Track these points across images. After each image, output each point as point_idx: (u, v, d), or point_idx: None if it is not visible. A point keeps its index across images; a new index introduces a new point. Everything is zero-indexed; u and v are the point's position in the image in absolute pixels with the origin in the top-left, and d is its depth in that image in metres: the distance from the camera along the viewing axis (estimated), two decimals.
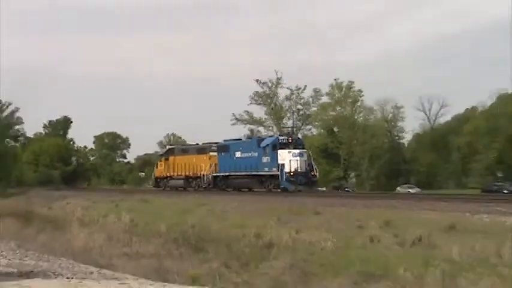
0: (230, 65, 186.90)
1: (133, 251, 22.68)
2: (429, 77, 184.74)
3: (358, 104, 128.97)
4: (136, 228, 30.42)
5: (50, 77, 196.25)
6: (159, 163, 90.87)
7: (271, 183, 65.37)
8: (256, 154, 68.57)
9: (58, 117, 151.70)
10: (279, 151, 64.89)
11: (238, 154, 72.09)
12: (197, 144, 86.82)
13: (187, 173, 79.65)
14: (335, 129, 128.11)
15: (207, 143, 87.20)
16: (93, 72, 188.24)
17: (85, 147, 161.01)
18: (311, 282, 15.62)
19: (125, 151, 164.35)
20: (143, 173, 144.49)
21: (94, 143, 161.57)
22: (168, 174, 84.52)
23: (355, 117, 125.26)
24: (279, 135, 71.69)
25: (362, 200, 44.84)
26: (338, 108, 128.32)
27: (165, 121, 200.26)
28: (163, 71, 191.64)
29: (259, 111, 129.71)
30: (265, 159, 66.53)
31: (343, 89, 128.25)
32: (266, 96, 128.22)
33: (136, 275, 15.99)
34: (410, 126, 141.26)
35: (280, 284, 15.50)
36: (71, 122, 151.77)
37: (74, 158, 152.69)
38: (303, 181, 63.49)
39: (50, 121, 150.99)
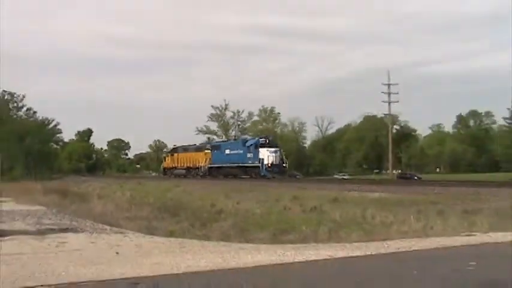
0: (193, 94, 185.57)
1: (132, 215, 22.57)
2: (322, 105, 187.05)
3: (277, 121, 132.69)
4: (134, 201, 30.28)
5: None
6: (166, 158, 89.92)
7: (253, 172, 64.61)
8: (241, 151, 67.71)
9: (84, 129, 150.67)
10: (260, 149, 64.20)
11: (227, 151, 71.24)
12: (195, 144, 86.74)
13: (188, 165, 78.61)
14: None
15: (202, 144, 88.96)
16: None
17: (101, 148, 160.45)
18: (246, 234, 15.66)
19: (127, 151, 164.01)
20: (139, 165, 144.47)
21: (107, 145, 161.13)
22: (173, 166, 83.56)
23: (275, 129, 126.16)
24: (260, 138, 71.03)
25: (280, 183, 45.35)
26: (264, 123, 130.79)
27: (154, 132, 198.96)
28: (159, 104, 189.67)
29: (213, 125, 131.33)
30: (249, 155, 65.59)
31: (268, 111, 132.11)
32: (218, 116, 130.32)
33: (134, 231, 15.94)
34: (310, 136, 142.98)
35: (226, 236, 15.50)
36: (92, 131, 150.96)
37: (94, 156, 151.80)
38: (277, 170, 63.14)
39: (78, 131, 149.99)
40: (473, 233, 12.47)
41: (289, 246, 11.11)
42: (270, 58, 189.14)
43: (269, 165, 62.95)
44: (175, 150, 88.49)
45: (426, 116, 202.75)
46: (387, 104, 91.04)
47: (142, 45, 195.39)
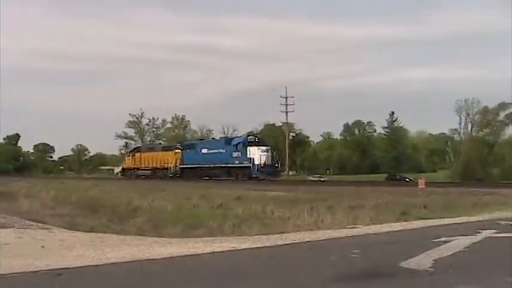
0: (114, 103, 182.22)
1: (56, 212, 21.99)
2: (228, 114, 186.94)
3: (187, 128, 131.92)
4: (58, 199, 29.45)
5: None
6: (126, 158, 77.07)
7: (241, 173, 54.08)
8: (224, 150, 56.92)
9: (12, 134, 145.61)
10: (249, 148, 53.93)
11: (205, 150, 60.17)
12: (160, 143, 78.81)
13: (154, 166, 67.15)
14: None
15: (171, 143, 78.03)
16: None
17: (28, 151, 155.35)
18: (160, 229, 15.56)
19: (52, 154, 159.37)
20: (62, 167, 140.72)
21: (34, 149, 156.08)
22: (135, 166, 71.06)
23: (186, 135, 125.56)
24: (248, 136, 60.38)
25: (194, 183, 45.15)
26: (176, 130, 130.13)
27: (77, 137, 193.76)
28: (83, 112, 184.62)
29: (130, 132, 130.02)
30: (236, 154, 55.08)
31: (179, 119, 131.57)
32: (135, 123, 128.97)
33: (58, 226, 15.59)
34: None
35: (142, 230, 15.37)
36: (20, 136, 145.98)
37: (21, 158, 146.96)
38: (270, 171, 53.60)
39: (7, 135, 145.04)
40: (356, 226, 12.82)
41: (198, 240, 11.15)
42: (183, 72, 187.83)
43: (261, 165, 53.17)
44: (137, 149, 76.76)
45: (318, 124, 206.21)
46: (285, 114, 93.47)
47: (72, 58, 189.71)
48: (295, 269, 7.78)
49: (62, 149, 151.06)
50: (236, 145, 55.93)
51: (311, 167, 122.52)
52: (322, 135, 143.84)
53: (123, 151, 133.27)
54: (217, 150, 58.22)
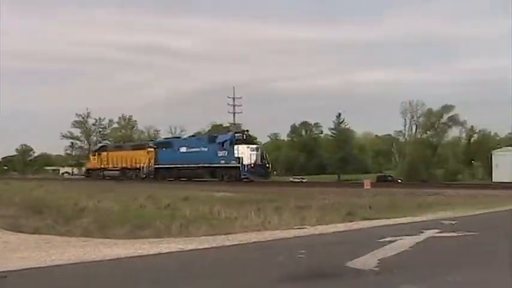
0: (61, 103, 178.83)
1: (0, 213, 21.47)
2: (175, 114, 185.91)
3: (134, 128, 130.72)
4: (2, 200, 28.77)
5: None
6: (91, 157, 70.81)
7: (228, 174, 49.24)
8: (207, 149, 51.95)
9: None
10: (237, 146, 48.98)
11: (183, 149, 55.10)
12: (131, 141, 73.36)
13: (124, 165, 61.92)
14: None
15: (144, 141, 73.05)
16: None
17: None
18: (106, 230, 15.36)
19: None
20: (6, 167, 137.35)
21: None
22: (101, 167, 65.75)
23: (133, 136, 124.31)
24: (235, 133, 54.73)
25: (143, 183, 44.72)
26: (123, 130, 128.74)
27: (21, 138, 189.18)
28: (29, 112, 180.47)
29: (77, 132, 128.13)
30: (222, 153, 50.01)
31: (126, 119, 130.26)
32: (81, 123, 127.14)
33: (1, 228, 15.23)
34: None
35: (88, 231, 15.14)
36: None
37: None
38: (262, 172, 48.92)
39: None
40: (303, 226, 12.90)
41: (145, 241, 11.05)
42: (130, 72, 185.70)
43: (251, 165, 48.31)
44: (103, 148, 70.86)
45: (266, 126, 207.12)
46: (232, 114, 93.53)
47: (23, 57, 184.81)
48: (243, 270, 7.79)
49: (6, 150, 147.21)
50: (222, 143, 51.29)
51: None
52: (269, 136, 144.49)
53: (68, 151, 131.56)
54: (198, 149, 53.64)
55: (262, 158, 50.04)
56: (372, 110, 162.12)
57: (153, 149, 60.13)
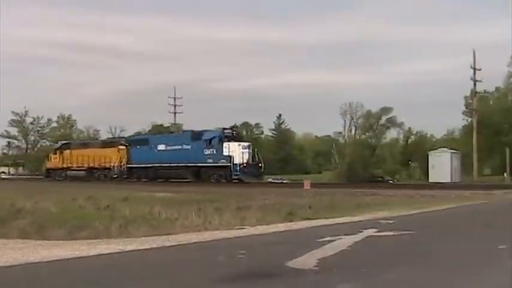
0: None
1: None
2: (113, 114, 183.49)
3: (74, 127, 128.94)
4: None
5: None
6: (52, 156, 64.61)
7: (216, 174, 45.62)
8: (190, 146, 48.09)
9: None
10: (227, 143, 45.47)
11: (161, 147, 51.03)
12: (97, 139, 64.87)
13: (91, 165, 57.47)
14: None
15: (113, 138, 67.96)
16: None
17: None
18: (44, 232, 15.05)
19: None
20: None
21: None
22: (64, 166, 61.09)
23: (72, 135, 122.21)
24: (224, 129, 49.91)
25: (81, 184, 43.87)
26: (62, 130, 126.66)
27: None
28: None
29: (14, 131, 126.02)
30: (208, 152, 46.20)
31: (65, 118, 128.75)
32: (18, 122, 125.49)
33: None
34: None
35: (25, 233, 14.79)
36: None
37: None
38: (255, 172, 45.81)
39: None
40: (244, 226, 12.94)
41: (84, 242, 10.90)
42: (70, 70, 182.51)
43: (244, 164, 45.25)
44: (66, 146, 65.16)
45: (208, 125, 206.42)
46: (173, 114, 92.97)
47: None
48: (183, 270, 7.77)
49: None
50: (209, 140, 47.55)
51: None
52: None
53: (5, 151, 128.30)
54: (180, 147, 49.85)
55: (253, 156, 47.13)
56: (311, 111, 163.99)
57: (124, 147, 55.99)
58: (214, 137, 47.66)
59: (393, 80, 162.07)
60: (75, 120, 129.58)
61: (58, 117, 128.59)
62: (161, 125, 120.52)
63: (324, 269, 7.43)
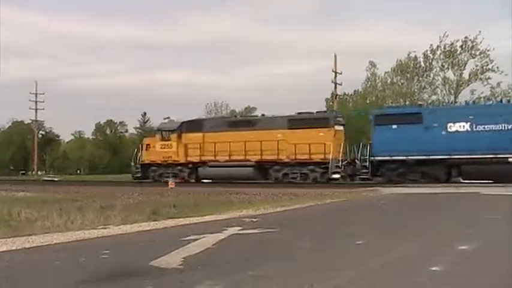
0: None
1: None
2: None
3: None
4: None
5: None
6: (159, 144, 40.87)
7: None
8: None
9: None
10: None
11: (466, 126, 31.46)
12: (263, 115, 40.21)
13: (260, 158, 36.70)
14: None
15: (322, 111, 41.15)
16: None
17: None
18: None
19: None
20: None
21: None
22: (191, 160, 39.33)
23: None
24: None
25: None
26: None
27: None
28: None
29: None
30: None
31: None
32: None
33: None
34: None
35: None
36: None
37: None
38: None
39: None
40: (107, 226, 12.67)
41: None
42: None
43: None
44: (190, 125, 40.69)
45: (70, 123, 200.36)
46: (34, 111, 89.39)
47: None
48: (43, 273, 7.46)
49: None
50: None
51: (62, 167, 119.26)
52: (73, 135, 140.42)
53: None
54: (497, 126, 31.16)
55: None
56: (178, 110, 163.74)
57: (341, 128, 36.50)
58: None
59: (257, 81, 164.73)
60: None
61: None
62: (21, 122, 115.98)
63: (189, 267, 7.43)
